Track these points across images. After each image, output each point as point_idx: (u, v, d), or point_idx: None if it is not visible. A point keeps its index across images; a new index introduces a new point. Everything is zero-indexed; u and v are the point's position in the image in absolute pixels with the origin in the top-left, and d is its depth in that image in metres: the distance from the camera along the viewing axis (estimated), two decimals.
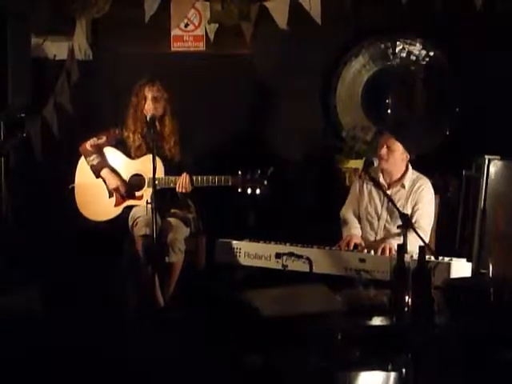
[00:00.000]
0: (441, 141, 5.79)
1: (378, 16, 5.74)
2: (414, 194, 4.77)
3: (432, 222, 4.80)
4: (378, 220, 4.84)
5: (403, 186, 4.79)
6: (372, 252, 4.51)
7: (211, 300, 4.26)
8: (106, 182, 5.04)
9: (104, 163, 5.05)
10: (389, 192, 4.76)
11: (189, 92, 5.65)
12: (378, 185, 4.70)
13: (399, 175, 4.82)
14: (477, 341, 3.22)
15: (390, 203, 4.58)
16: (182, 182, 4.86)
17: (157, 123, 4.94)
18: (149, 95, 4.95)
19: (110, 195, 5.05)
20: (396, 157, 4.75)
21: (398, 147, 4.74)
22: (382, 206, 4.83)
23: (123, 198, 5.01)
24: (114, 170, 5.05)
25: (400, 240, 4.20)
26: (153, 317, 4.56)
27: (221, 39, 5.91)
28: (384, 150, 4.73)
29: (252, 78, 5.97)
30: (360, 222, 4.91)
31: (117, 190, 5.00)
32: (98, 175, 5.04)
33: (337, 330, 3.30)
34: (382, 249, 4.51)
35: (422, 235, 4.21)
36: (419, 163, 4.91)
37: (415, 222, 4.67)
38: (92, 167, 5.05)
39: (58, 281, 4.90)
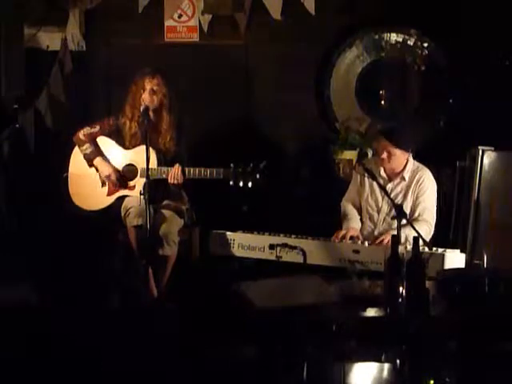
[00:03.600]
0: (435, 132, 5.79)
1: (372, 6, 5.72)
2: (415, 186, 4.72)
3: (435, 213, 4.75)
4: (378, 213, 4.79)
5: (403, 179, 4.74)
6: (366, 243, 4.50)
7: (205, 291, 4.26)
8: (99, 170, 5.03)
9: (97, 153, 5.05)
10: (390, 185, 4.74)
11: (182, 83, 5.63)
12: (373, 176, 4.67)
13: (400, 168, 4.77)
14: (471, 331, 3.22)
15: (388, 194, 4.59)
16: (174, 174, 4.85)
17: (152, 115, 4.93)
18: (147, 87, 4.93)
19: (103, 185, 5.04)
20: (397, 155, 4.69)
21: (398, 150, 4.70)
22: (382, 199, 4.77)
23: (116, 188, 5.01)
24: (107, 160, 5.04)
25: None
26: (147, 308, 4.56)
27: (215, 30, 5.90)
28: (385, 155, 4.68)
29: (245, 69, 5.95)
30: (360, 213, 4.88)
31: (109, 178, 4.99)
32: (90, 164, 5.04)
33: (331, 321, 3.30)
34: (380, 240, 4.49)
35: (418, 228, 4.20)
36: (414, 154, 4.90)
37: (419, 215, 4.66)
38: (85, 156, 5.05)
39: (50, 271, 4.89)
